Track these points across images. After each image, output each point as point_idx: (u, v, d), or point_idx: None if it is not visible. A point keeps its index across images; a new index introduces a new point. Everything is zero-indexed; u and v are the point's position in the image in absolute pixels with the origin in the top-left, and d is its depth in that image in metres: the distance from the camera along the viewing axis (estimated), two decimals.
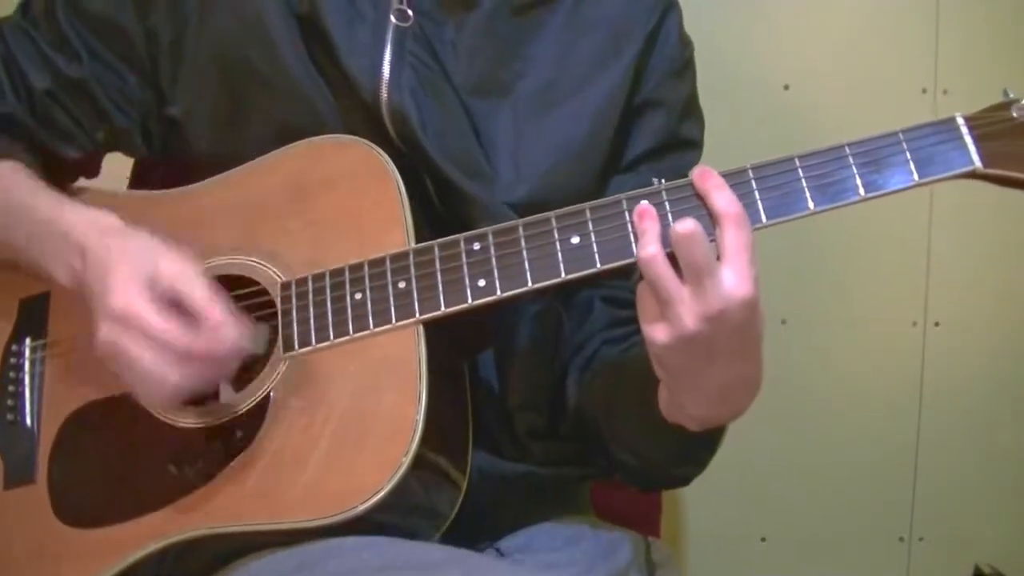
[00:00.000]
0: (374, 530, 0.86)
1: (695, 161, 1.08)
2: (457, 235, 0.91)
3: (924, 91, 1.58)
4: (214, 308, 0.87)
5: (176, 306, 0.87)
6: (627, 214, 0.86)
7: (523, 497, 1.05)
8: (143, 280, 0.88)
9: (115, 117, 1.04)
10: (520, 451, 1.04)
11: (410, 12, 0.98)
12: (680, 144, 1.07)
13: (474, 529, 0.96)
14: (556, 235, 0.88)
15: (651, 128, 1.05)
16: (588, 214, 0.88)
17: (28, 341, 1.02)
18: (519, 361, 1.03)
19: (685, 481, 1.01)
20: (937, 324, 1.65)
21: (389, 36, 0.98)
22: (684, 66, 1.08)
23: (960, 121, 0.84)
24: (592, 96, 1.02)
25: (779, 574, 1.72)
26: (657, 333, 0.81)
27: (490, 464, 1.00)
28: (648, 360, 0.85)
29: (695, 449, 0.94)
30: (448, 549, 0.89)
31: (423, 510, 0.92)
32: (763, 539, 1.72)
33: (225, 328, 0.87)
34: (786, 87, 1.59)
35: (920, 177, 0.84)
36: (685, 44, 1.08)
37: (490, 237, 0.90)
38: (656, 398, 0.89)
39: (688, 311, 0.79)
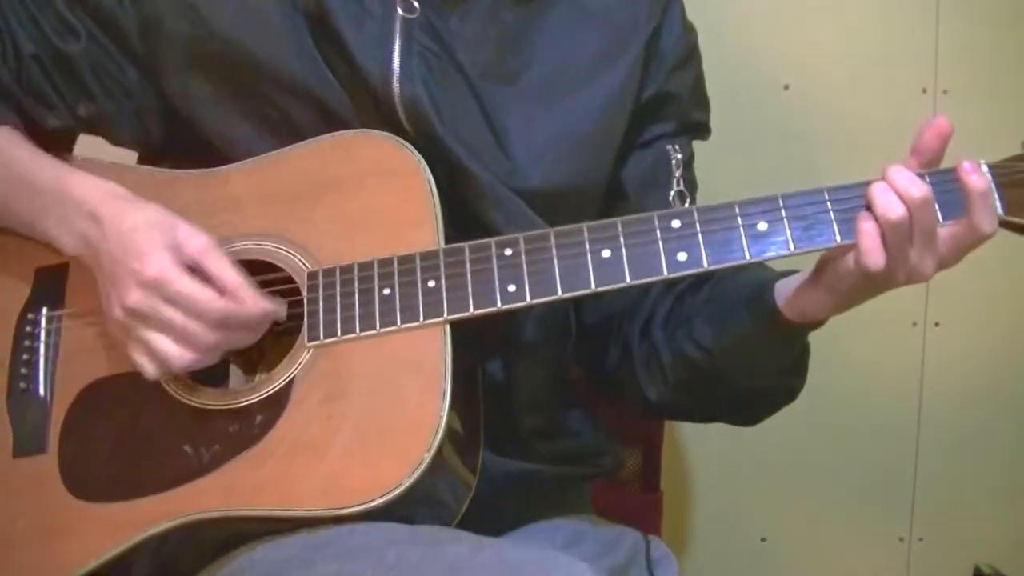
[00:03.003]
0: (383, 519, 0.87)
1: (704, 139, 1.13)
2: (488, 239, 0.92)
3: (924, 91, 1.58)
4: (238, 278, 0.91)
5: (198, 274, 0.91)
6: (658, 231, 0.89)
7: (524, 496, 1.05)
8: (170, 249, 0.91)
9: (100, 99, 1.04)
10: (524, 451, 1.04)
11: (416, 3, 0.99)
12: (691, 127, 1.11)
13: (475, 526, 0.96)
14: (587, 246, 0.90)
15: (664, 117, 1.08)
16: (620, 228, 0.90)
17: (45, 311, 1.02)
18: (526, 361, 1.04)
19: (793, 395, 1.04)
20: (937, 324, 1.65)
21: (397, 27, 0.98)
22: (689, 55, 1.10)
23: (985, 169, 0.86)
24: (600, 88, 1.04)
25: (779, 574, 1.72)
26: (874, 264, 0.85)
27: (493, 462, 1.00)
28: (751, 275, 0.95)
29: (801, 356, 1.01)
30: (456, 531, 0.90)
31: (434, 505, 0.93)
32: (763, 539, 1.71)
33: (253, 296, 0.91)
34: (786, 87, 1.59)
35: (944, 219, 0.86)
36: (688, 31, 1.11)
37: (521, 243, 0.91)
38: (770, 306, 0.94)
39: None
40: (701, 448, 1.67)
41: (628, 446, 1.39)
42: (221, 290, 0.91)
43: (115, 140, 1.08)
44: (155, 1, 1.01)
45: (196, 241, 0.92)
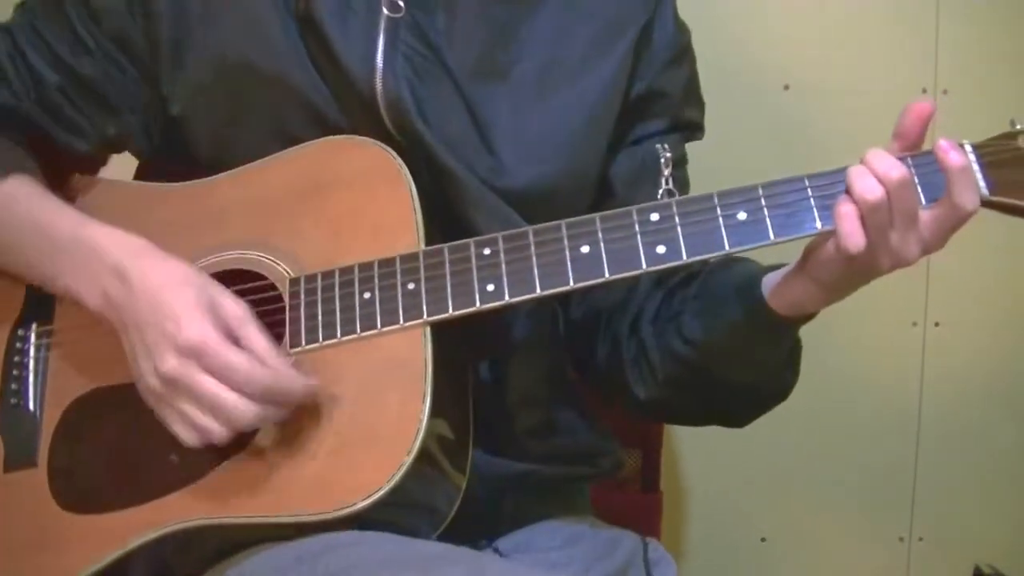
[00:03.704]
0: (373, 526, 0.87)
1: (698, 139, 1.12)
2: (467, 239, 0.92)
3: (924, 91, 1.58)
4: (277, 352, 0.88)
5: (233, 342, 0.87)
6: (637, 225, 0.88)
7: (521, 496, 1.05)
8: (209, 312, 0.87)
9: (124, 115, 1.04)
10: (519, 450, 1.04)
11: (401, 3, 0.99)
12: (684, 126, 1.10)
13: (472, 528, 0.96)
14: (566, 243, 0.89)
15: (654, 115, 1.08)
16: (598, 223, 0.90)
17: (34, 327, 1.02)
18: (518, 357, 1.04)
19: (785, 393, 1.03)
20: (937, 324, 1.64)
21: (381, 27, 0.98)
22: (682, 53, 1.10)
23: (968, 148, 0.85)
24: (591, 83, 1.03)
25: (779, 574, 1.72)
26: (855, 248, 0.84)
27: (488, 463, 1.00)
28: (739, 270, 0.94)
29: (792, 352, 0.99)
30: (446, 546, 0.90)
31: (422, 508, 0.93)
32: (763, 539, 1.71)
33: (291, 372, 0.87)
34: (786, 87, 1.59)
35: (927, 201, 0.85)
36: (681, 30, 1.10)
37: (500, 242, 0.91)
38: (758, 299, 0.93)
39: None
40: (701, 448, 1.67)
41: (628, 447, 1.40)
42: (261, 362, 0.86)
43: (138, 154, 1.08)
44: (159, 11, 1.01)
45: (234, 307, 0.88)
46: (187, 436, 0.87)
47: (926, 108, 0.86)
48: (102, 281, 0.91)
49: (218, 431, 0.86)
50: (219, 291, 0.89)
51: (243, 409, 0.85)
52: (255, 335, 0.87)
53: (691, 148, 1.13)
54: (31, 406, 0.99)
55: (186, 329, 0.86)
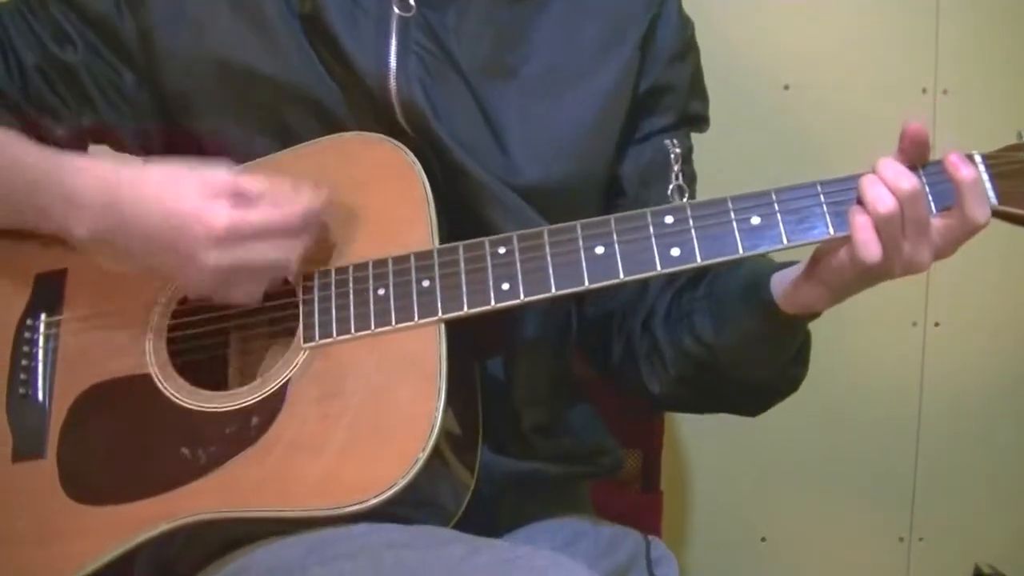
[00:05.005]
0: (382, 521, 0.87)
1: (703, 131, 1.13)
2: (482, 238, 0.92)
3: (924, 91, 1.58)
4: (277, 181, 0.92)
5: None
6: (651, 227, 0.89)
7: (525, 495, 1.05)
8: (210, 193, 0.89)
9: (102, 107, 1.04)
10: (525, 448, 1.04)
11: (412, 2, 0.99)
12: (690, 120, 1.11)
13: (474, 526, 0.96)
14: (581, 243, 0.90)
15: (662, 109, 1.08)
16: (613, 225, 0.90)
17: (43, 317, 1.02)
18: (526, 356, 1.04)
19: (795, 386, 1.04)
20: (937, 324, 1.65)
21: (393, 27, 0.99)
22: (687, 47, 1.11)
23: (978, 159, 0.86)
24: (599, 81, 1.04)
25: (779, 574, 1.72)
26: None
27: (494, 461, 1.00)
28: (748, 269, 0.95)
29: (802, 347, 1.01)
30: (454, 532, 0.90)
31: (431, 506, 0.93)
32: (763, 539, 1.71)
33: (294, 196, 0.92)
34: (786, 87, 1.59)
35: (937, 209, 0.86)
36: (685, 24, 1.11)
37: (515, 242, 0.92)
38: (766, 300, 0.94)
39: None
40: (701, 448, 1.67)
41: (628, 446, 1.39)
42: (273, 201, 0.91)
43: (120, 147, 1.08)
44: (152, 10, 1.01)
45: (220, 175, 0.90)
46: (253, 300, 0.93)
47: (918, 130, 0.87)
48: (93, 203, 0.92)
49: (282, 273, 0.93)
50: (199, 168, 0.91)
51: (294, 245, 0.91)
52: (252, 185, 0.90)
53: None
54: (40, 396, 0.99)
55: (212, 220, 0.88)
